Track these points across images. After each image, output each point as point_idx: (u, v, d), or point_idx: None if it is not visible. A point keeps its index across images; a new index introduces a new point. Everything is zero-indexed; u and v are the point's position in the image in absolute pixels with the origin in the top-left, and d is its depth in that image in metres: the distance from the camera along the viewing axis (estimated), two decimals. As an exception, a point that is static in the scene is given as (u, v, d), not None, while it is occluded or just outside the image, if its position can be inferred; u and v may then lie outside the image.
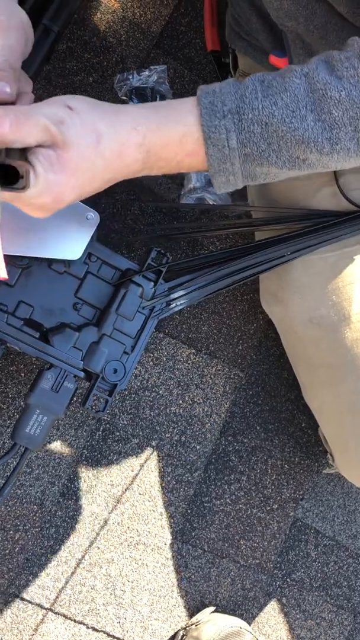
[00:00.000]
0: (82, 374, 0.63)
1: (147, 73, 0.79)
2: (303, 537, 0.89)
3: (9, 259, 0.61)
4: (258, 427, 0.87)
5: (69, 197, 0.48)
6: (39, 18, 0.63)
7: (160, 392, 0.81)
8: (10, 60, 0.51)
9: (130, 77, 0.78)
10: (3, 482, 0.73)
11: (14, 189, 0.47)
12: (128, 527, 0.79)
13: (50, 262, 0.63)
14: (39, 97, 0.76)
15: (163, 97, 0.79)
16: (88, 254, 0.65)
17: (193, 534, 0.83)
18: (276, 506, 0.88)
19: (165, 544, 0.81)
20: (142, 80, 0.79)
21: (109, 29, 0.81)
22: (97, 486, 0.78)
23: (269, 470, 0.88)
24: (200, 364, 0.84)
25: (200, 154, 0.51)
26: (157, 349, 0.82)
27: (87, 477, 0.78)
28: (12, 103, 0.51)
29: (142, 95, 0.78)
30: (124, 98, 0.78)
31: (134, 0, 0.82)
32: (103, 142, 0.47)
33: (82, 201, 0.62)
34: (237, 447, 0.86)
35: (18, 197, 0.47)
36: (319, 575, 0.90)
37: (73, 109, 0.47)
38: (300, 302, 0.68)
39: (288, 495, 0.88)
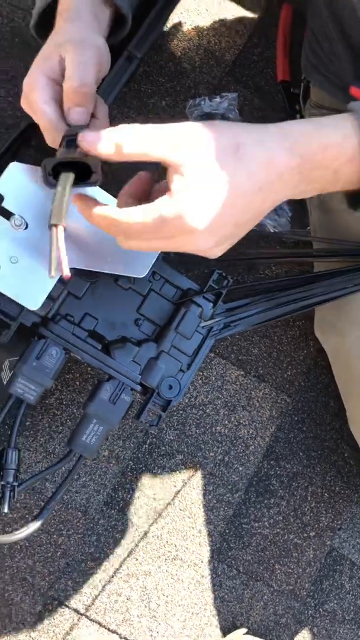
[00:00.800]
0: (139, 388, 0.65)
1: (218, 100, 0.81)
2: (338, 567, 0.89)
3: (81, 273, 0.63)
4: (301, 454, 0.88)
5: (205, 221, 0.43)
6: (125, 45, 0.66)
7: (207, 410, 0.83)
8: (84, 78, 0.53)
9: (202, 102, 0.81)
10: (52, 486, 0.75)
11: (89, 183, 0.51)
12: (167, 542, 0.80)
13: (116, 277, 0.65)
14: (113, 117, 0.80)
15: (232, 124, 0.81)
16: (152, 272, 0.67)
17: (229, 554, 0.83)
18: (313, 534, 0.88)
19: (202, 562, 0.82)
20: (213, 107, 0.81)
21: (184, 55, 0.83)
22: (140, 498, 0.79)
23: (309, 497, 0.88)
24: (249, 386, 0.85)
25: None
26: (207, 368, 0.83)
27: (131, 488, 0.79)
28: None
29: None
30: (195, 123, 0.81)
31: (210, 29, 0.85)
32: (243, 150, 0.42)
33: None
34: (278, 472, 0.86)
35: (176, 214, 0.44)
36: (351, 608, 0.89)
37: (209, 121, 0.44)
38: (359, 336, 0.68)
39: (326, 523, 0.88)
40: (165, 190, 0.45)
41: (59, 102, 0.54)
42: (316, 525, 0.88)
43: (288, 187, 0.45)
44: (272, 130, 0.45)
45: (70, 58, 0.53)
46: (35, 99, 0.53)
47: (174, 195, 0.43)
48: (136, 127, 0.45)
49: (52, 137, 0.54)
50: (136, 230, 0.46)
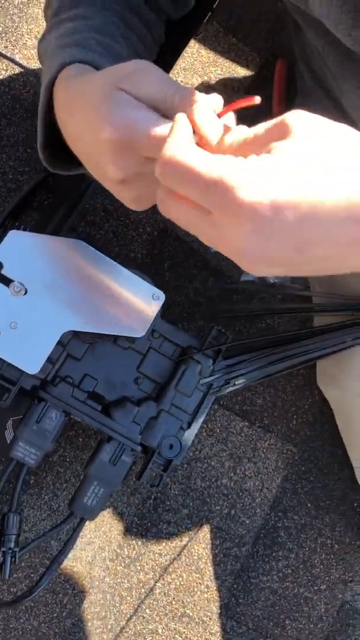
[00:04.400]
0: (139, 448, 0.65)
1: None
2: (351, 621, 0.87)
3: (79, 335, 0.64)
4: (309, 505, 0.87)
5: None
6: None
7: (213, 463, 0.82)
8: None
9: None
10: (57, 544, 0.75)
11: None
12: (174, 598, 0.79)
13: (115, 337, 0.66)
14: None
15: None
16: (152, 331, 0.68)
17: (238, 609, 0.82)
18: (324, 587, 0.86)
19: (210, 618, 0.80)
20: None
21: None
22: (146, 554, 0.79)
23: (319, 549, 0.86)
24: (254, 437, 0.85)
25: None
26: (211, 420, 0.83)
27: (137, 544, 0.79)
28: None
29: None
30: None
31: (205, 87, 0.87)
32: None
33: (149, 280, 0.66)
34: (286, 524, 0.85)
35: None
36: (366, 663, 0.87)
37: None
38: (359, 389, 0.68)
39: (337, 576, 0.87)
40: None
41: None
42: (327, 578, 0.86)
43: None
44: None
45: (151, 79, 0.44)
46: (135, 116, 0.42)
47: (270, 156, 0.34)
48: None
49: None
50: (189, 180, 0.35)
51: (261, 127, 0.38)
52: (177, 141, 0.36)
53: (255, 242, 0.33)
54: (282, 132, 0.36)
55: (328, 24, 0.54)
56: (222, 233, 0.35)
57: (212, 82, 0.88)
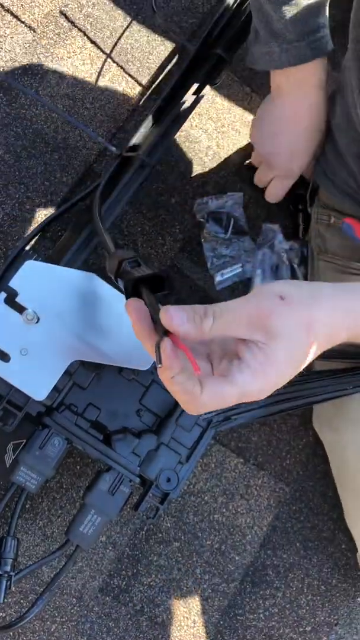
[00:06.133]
0: (137, 480, 0.66)
1: (224, 199, 0.86)
2: (334, 665, 0.87)
3: (86, 364, 0.66)
4: (298, 544, 0.88)
5: (276, 384, 0.47)
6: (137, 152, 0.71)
7: (206, 498, 0.83)
8: None
9: (209, 201, 0.86)
10: (48, 570, 0.75)
11: (162, 293, 0.51)
12: (161, 632, 0.80)
13: (120, 369, 0.68)
14: (125, 212, 0.84)
15: (237, 222, 0.86)
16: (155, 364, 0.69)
17: (223, 647, 0.82)
18: (309, 628, 0.87)
19: (195, 655, 0.81)
20: (219, 205, 0.86)
21: (193, 156, 0.89)
22: (135, 585, 0.79)
23: (305, 589, 0.87)
24: (247, 474, 0.86)
25: None
26: (207, 454, 0.84)
27: (127, 575, 0.79)
28: None
29: (218, 219, 0.85)
30: (201, 220, 0.85)
31: (219, 132, 0.91)
32: (314, 330, 0.46)
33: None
34: (275, 562, 0.86)
35: (243, 395, 0.46)
36: None
37: (285, 298, 0.46)
38: (354, 435, 0.70)
39: (322, 618, 0.87)
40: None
41: None
42: (312, 620, 0.87)
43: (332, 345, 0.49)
44: (339, 306, 0.47)
45: None
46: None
47: (256, 371, 0.45)
48: (216, 310, 0.45)
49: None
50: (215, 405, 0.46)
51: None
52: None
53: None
54: None
55: None
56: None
57: (225, 128, 0.92)
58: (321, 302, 0.46)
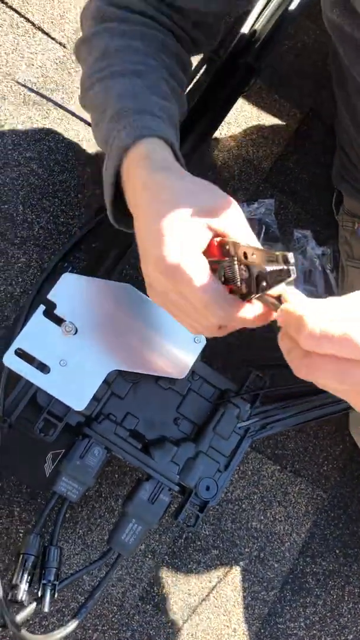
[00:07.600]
0: (177, 489, 0.66)
1: (255, 205, 0.86)
2: (377, 674, 0.86)
3: (124, 374, 0.67)
4: (337, 551, 0.87)
5: None
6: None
7: (244, 506, 0.83)
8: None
9: (241, 208, 0.86)
10: (89, 578, 0.76)
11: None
12: (201, 640, 0.80)
13: (157, 378, 0.69)
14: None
15: (268, 228, 0.86)
16: (192, 373, 0.70)
17: (264, 655, 0.82)
18: (351, 637, 0.86)
19: (236, 663, 0.80)
20: (250, 212, 0.86)
21: (224, 164, 0.89)
22: (175, 594, 0.79)
23: (346, 597, 0.86)
24: (285, 481, 0.85)
25: None
26: (244, 462, 0.84)
27: (167, 583, 0.79)
28: None
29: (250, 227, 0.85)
30: (233, 227, 0.85)
31: (248, 140, 0.91)
32: None
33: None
34: (314, 569, 0.85)
35: None
36: None
37: None
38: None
39: (364, 626, 0.86)
40: None
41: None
42: (354, 629, 0.86)
43: None
44: None
45: (233, 222, 0.51)
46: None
47: None
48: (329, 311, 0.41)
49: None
50: None
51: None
52: (313, 320, 0.41)
53: None
54: None
55: None
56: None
57: (254, 135, 0.92)
58: None
